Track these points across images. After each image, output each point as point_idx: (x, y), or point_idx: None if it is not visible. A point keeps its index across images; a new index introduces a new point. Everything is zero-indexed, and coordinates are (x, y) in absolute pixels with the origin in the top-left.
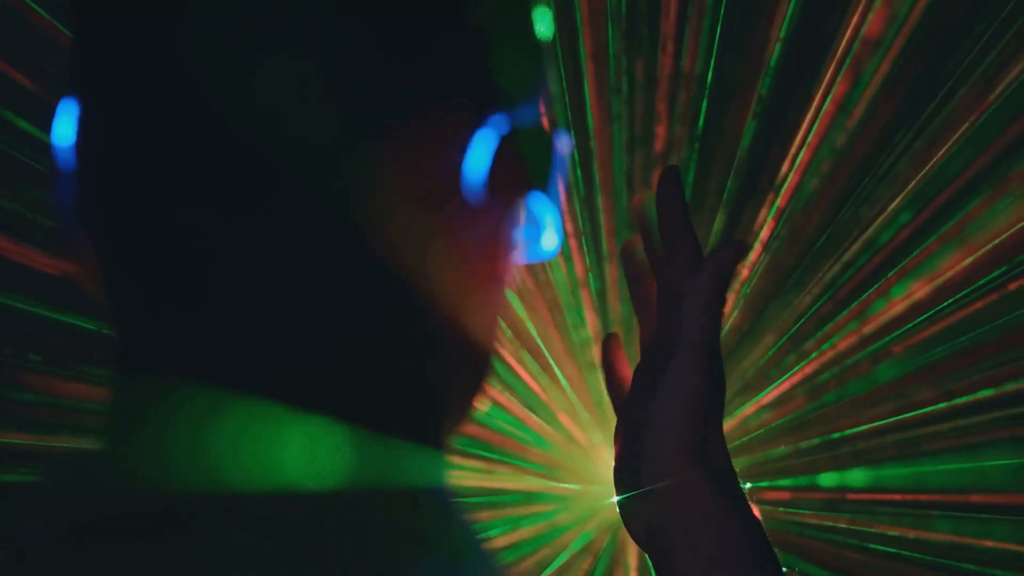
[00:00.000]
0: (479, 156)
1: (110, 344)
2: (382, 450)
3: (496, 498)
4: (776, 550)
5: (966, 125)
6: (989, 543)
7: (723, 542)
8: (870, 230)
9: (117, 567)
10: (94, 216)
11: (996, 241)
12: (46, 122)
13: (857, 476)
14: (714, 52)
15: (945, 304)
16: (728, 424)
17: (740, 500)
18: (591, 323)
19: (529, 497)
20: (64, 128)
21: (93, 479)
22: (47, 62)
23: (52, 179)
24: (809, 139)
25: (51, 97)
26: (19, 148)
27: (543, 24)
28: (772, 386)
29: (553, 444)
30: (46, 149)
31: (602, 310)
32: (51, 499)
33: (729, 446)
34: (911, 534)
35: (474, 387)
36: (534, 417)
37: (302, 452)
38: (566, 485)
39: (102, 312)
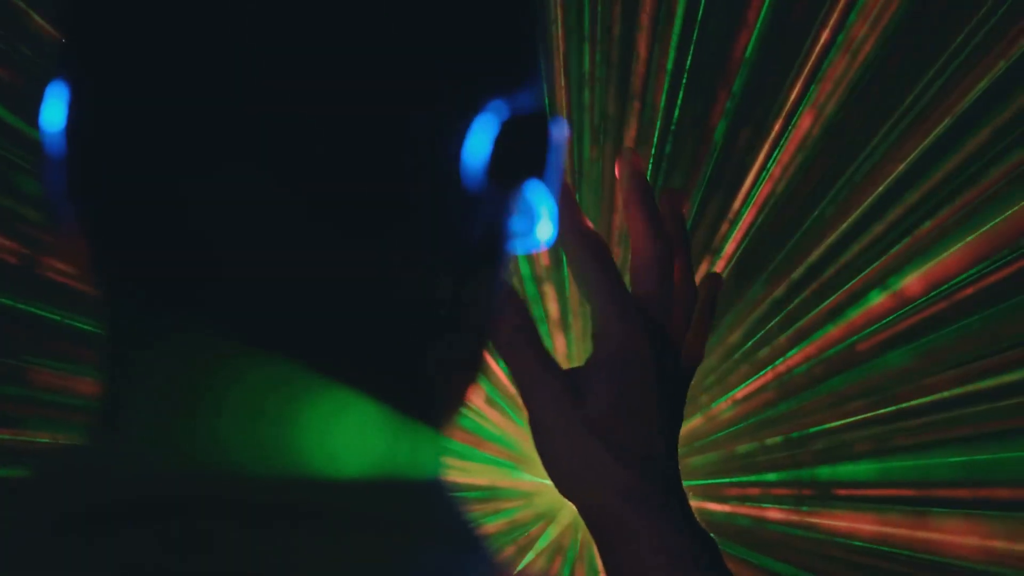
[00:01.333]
0: (478, 142)
1: (104, 332)
2: (397, 438)
3: (460, 493)
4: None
5: (945, 120)
6: (973, 539)
7: (630, 554)
8: (845, 224)
9: (140, 555)
10: (93, 199)
11: (976, 234)
12: (19, 108)
13: (832, 471)
14: (693, 40)
15: (923, 298)
16: (698, 420)
17: (649, 508)
18: (554, 316)
19: (492, 492)
20: (53, 113)
21: (97, 466)
22: (14, 47)
23: (40, 166)
24: (789, 132)
25: (21, 81)
26: None
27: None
28: (748, 381)
29: (517, 439)
30: (19, 137)
31: (565, 303)
32: (64, 488)
33: (704, 441)
34: (888, 530)
35: (469, 377)
36: (497, 410)
37: (365, 440)
38: (531, 479)
39: (92, 300)
